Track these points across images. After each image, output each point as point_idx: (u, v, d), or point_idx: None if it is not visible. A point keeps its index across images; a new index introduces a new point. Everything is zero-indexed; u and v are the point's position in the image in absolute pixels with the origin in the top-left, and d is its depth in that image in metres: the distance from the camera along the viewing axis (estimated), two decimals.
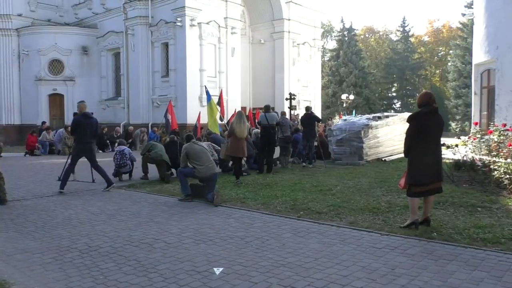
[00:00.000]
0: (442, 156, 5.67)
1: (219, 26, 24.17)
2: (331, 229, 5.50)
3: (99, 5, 26.93)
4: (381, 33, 58.53)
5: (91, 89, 27.07)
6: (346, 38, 46.93)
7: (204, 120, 18.94)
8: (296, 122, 18.10)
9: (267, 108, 12.01)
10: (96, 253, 4.68)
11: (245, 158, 11.83)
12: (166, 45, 23.89)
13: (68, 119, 25.94)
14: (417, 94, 49.45)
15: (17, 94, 26.47)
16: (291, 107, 23.39)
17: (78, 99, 26.35)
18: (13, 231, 5.74)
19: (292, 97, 24.11)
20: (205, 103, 20.50)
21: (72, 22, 28.68)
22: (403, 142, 5.67)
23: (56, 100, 26.56)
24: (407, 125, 5.67)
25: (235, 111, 11.81)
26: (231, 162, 10.72)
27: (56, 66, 26.40)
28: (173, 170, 10.32)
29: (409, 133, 5.48)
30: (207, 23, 23.45)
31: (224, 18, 24.53)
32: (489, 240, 4.81)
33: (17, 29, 26.14)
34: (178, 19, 22.51)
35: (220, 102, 19.46)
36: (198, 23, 22.93)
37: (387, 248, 4.68)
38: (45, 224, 6.10)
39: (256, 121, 16.17)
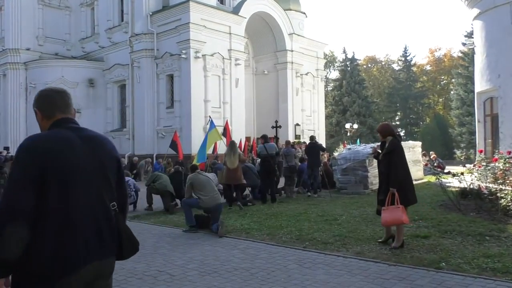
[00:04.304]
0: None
1: (223, 58, 24.54)
2: (337, 260, 5.42)
3: (106, 39, 27.52)
4: (383, 63, 59.21)
5: (97, 121, 27.28)
6: (349, 68, 47.48)
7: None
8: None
9: (265, 138, 11.92)
10: None
11: (249, 188, 11.83)
12: (171, 76, 24.25)
13: None
14: (421, 123, 49.94)
15: (23, 126, 26.75)
16: (295, 136, 23.45)
17: None
18: None
19: (279, 125, 24.20)
20: None
21: (79, 56, 29.26)
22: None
23: None
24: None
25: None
26: (234, 193, 10.75)
27: None
28: (178, 201, 10.29)
29: (399, 162, 5.78)
30: (212, 55, 23.84)
31: (228, 50, 24.95)
32: (499, 270, 4.72)
33: (25, 63, 26.71)
34: (183, 51, 22.91)
35: (226, 133, 19.53)
36: (202, 55, 23.31)
37: (395, 279, 4.60)
38: None
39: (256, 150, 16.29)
